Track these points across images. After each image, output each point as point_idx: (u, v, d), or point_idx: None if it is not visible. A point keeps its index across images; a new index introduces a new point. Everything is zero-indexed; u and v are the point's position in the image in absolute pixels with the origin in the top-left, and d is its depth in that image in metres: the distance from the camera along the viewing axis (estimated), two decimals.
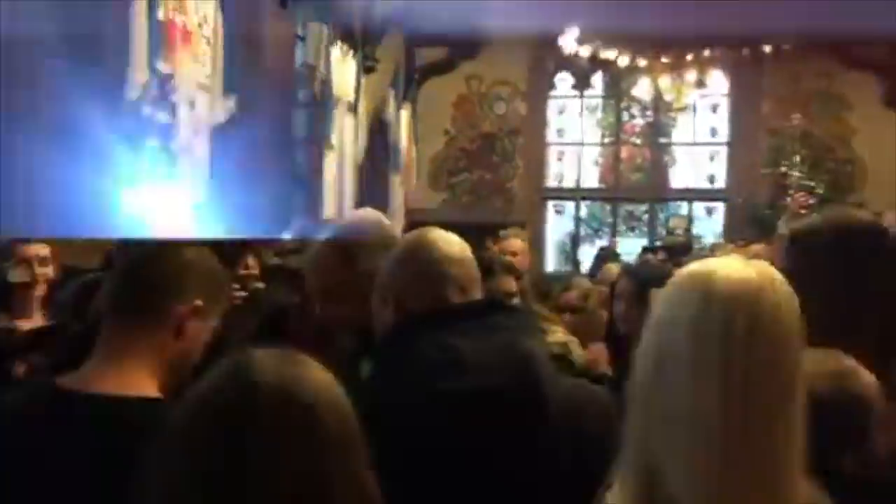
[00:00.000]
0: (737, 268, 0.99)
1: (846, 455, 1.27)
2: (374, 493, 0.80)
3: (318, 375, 0.79)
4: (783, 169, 7.86)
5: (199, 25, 3.68)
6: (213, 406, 0.77)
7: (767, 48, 7.29)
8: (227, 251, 2.48)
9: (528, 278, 2.83)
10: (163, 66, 3.42)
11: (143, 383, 1.27)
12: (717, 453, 0.94)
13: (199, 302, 1.31)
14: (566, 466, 1.23)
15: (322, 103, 5.79)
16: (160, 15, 3.33)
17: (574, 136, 9.56)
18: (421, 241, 1.40)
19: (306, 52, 5.83)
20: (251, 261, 2.59)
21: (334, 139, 5.91)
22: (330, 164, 5.87)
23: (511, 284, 2.28)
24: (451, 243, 1.39)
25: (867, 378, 1.31)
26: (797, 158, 7.84)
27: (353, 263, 1.53)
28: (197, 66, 3.71)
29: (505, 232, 3.38)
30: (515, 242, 3.25)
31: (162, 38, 3.36)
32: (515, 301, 2.26)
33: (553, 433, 1.25)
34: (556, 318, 2.78)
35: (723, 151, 9.17)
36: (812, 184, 7.43)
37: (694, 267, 1.02)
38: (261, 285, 2.53)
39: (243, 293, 2.46)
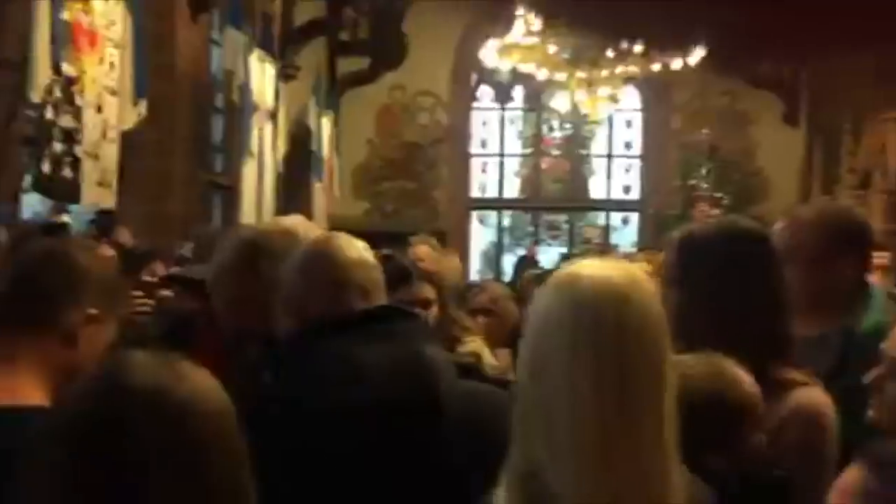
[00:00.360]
0: (603, 268, 1.04)
1: (724, 453, 1.34)
2: (251, 499, 0.80)
3: (194, 378, 0.79)
4: (692, 181, 8.21)
5: (107, 27, 3.57)
6: (83, 410, 0.76)
7: (677, 66, 7.59)
8: (131, 258, 2.42)
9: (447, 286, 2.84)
10: (67, 68, 3.30)
11: (32, 393, 1.23)
12: (594, 449, 0.98)
13: (93, 310, 1.28)
14: (465, 470, 1.26)
15: (240, 110, 5.70)
16: (64, 15, 3.22)
17: (496, 147, 9.72)
18: (321, 246, 1.40)
19: (223, 58, 5.74)
20: (158, 268, 2.53)
21: (253, 146, 5.83)
22: (249, 171, 5.78)
23: (428, 292, 2.29)
24: (353, 248, 1.39)
25: (746, 379, 1.38)
26: (705, 171, 8.20)
27: (257, 271, 1.52)
28: (104, 69, 3.59)
29: (414, 238, 3.39)
30: (422, 249, 3.26)
31: (66, 39, 3.24)
32: (433, 309, 2.27)
33: (451, 438, 1.27)
34: (474, 327, 2.80)
35: (637, 164, 9.51)
36: (720, 194, 7.78)
37: (563, 270, 1.07)
38: (168, 293, 2.48)
39: (149, 301, 2.40)
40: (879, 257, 2.81)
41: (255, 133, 5.83)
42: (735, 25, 6.65)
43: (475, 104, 9.61)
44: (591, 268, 1.05)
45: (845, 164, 7.43)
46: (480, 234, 9.87)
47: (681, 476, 1.05)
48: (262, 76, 6.05)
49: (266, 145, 6.12)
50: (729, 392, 1.35)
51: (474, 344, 2.49)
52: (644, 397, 1.01)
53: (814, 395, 1.43)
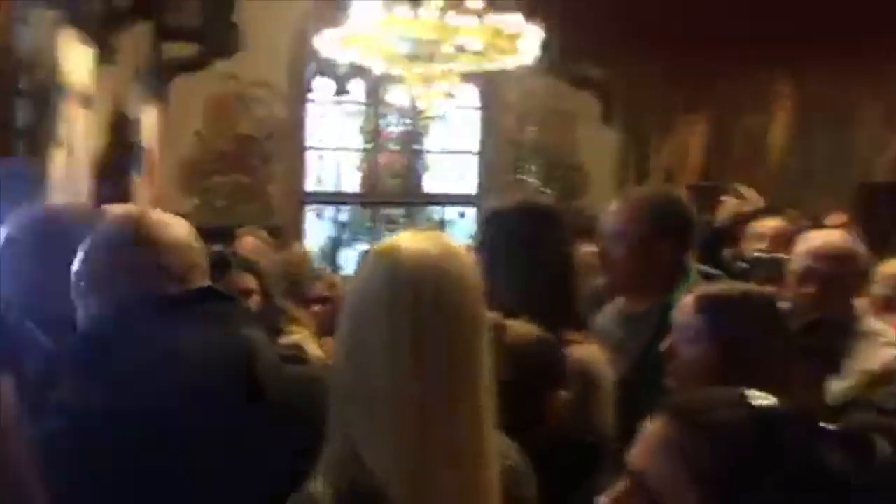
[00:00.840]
0: (421, 241, 1.05)
1: (541, 419, 1.41)
2: (27, 482, 0.73)
3: None
4: (523, 177, 8.61)
5: None
6: None
7: (510, 65, 7.88)
8: None
9: (275, 277, 2.79)
10: None
11: None
12: (413, 427, 0.97)
13: None
14: (287, 456, 1.22)
15: (48, 94, 5.22)
16: None
17: (334, 141, 9.61)
18: (132, 222, 1.31)
19: (29, 37, 5.22)
20: None
21: (64, 134, 5.36)
22: (58, 161, 5.31)
23: (249, 281, 2.25)
24: (169, 225, 1.31)
25: (579, 344, 1.47)
26: (534, 167, 8.62)
27: (51, 252, 1.39)
28: None
29: (241, 230, 3.32)
30: (248, 241, 3.22)
31: None
32: (254, 298, 2.23)
33: (272, 423, 1.24)
34: (304, 318, 2.76)
35: (473, 159, 9.79)
36: (547, 190, 8.22)
37: (381, 245, 1.07)
38: None
39: None
40: None
41: (65, 120, 5.37)
42: (562, 27, 7.04)
43: (312, 96, 9.45)
44: (408, 241, 1.05)
45: (654, 161, 8.13)
46: (319, 230, 9.73)
47: (498, 445, 1.07)
48: (75, 59, 5.58)
49: (80, 134, 5.66)
50: (546, 358, 1.43)
51: (299, 335, 2.47)
52: (463, 371, 1.02)
53: (587, 350, 1.60)
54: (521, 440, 1.19)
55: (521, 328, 1.47)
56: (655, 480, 0.81)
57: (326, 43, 7.69)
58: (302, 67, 9.05)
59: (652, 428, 0.86)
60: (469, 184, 9.73)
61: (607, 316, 2.20)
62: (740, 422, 0.80)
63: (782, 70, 7.08)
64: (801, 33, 6.13)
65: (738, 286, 1.74)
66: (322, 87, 9.47)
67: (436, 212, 9.94)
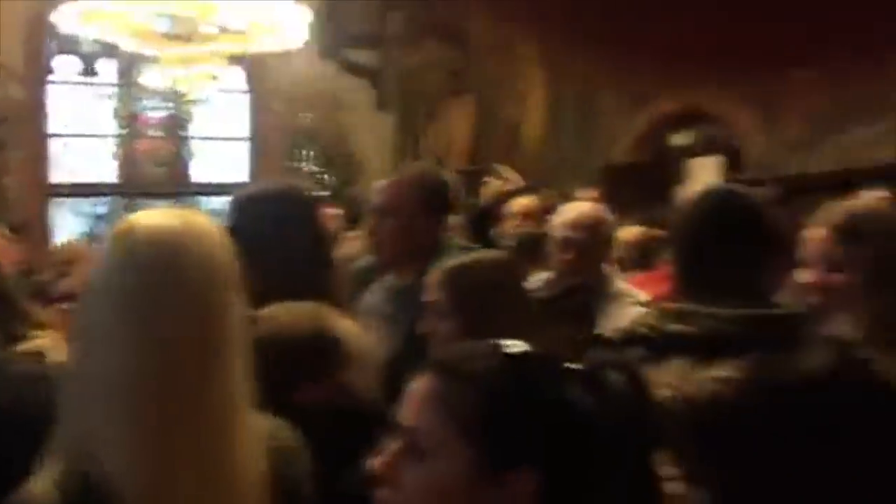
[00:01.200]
0: (160, 218, 0.96)
1: (313, 390, 1.37)
2: None
3: None
4: (298, 163, 8.45)
5: None
6: None
7: (278, 47, 7.65)
8: None
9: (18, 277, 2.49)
10: None
11: None
12: (151, 423, 0.89)
13: None
14: (11, 457, 1.07)
15: None
16: None
17: (84, 127, 8.72)
18: None
19: None
20: None
21: None
22: None
23: None
24: None
25: (340, 321, 1.46)
26: (311, 154, 8.50)
27: None
28: None
29: None
30: None
31: None
32: None
33: None
34: (52, 321, 2.47)
35: (244, 146, 9.41)
36: (324, 177, 8.15)
37: (120, 223, 0.98)
38: None
39: None
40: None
41: None
42: (331, 10, 6.98)
43: (54, 77, 8.48)
44: (146, 219, 0.95)
45: (423, 146, 8.44)
46: (71, 224, 8.81)
47: (257, 426, 1.01)
48: None
49: None
50: (324, 329, 1.40)
51: (42, 340, 2.21)
52: (208, 359, 0.94)
53: (346, 325, 1.64)
54: (291, 419, 1.14)
55: (288, 313, 1.42)
56: (424, 435, 0.83)
57: (66, 17, 6.88)
58: (40, 44, 8.08)
59: (416, 385, 0.88)
60: (241, 172, 9.34)
61: (376, 293, 2.22)
62: (496, 368, 0.84)
63: (538, 64, 7.65)
64: (554, 30, 6.65)
65: (473, 256, 1.84)
66: (65, 67, 8.53)
67: (205, 202, 9.42)
